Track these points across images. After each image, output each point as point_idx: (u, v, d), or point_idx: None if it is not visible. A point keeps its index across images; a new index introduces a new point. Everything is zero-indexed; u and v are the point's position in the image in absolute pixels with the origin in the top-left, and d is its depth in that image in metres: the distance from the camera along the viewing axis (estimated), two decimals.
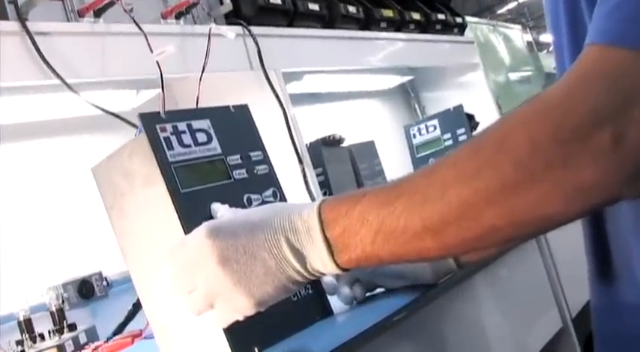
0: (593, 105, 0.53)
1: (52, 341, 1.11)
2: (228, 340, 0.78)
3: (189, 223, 0.78)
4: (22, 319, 1.14)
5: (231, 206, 0.83)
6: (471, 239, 0.60)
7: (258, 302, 0.69)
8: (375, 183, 1.98)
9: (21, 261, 1.36)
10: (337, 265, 0.67)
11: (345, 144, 2.00)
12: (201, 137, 0.87)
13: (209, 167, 0.86)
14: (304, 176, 1.62)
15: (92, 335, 1.16)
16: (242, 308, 0.70)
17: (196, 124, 0.88)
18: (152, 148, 0.81)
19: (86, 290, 1.33)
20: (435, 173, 0.61)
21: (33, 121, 1.47)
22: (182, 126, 0.86)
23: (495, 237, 0.60)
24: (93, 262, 1.41)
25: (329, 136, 1.91)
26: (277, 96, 1.62)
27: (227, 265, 0.68)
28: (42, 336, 1.14)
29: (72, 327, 1.17)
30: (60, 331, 1.15)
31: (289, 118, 1.63)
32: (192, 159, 0.85)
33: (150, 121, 0.83)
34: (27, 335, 1.13)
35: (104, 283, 1.36)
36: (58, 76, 1.17)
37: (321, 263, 0.68)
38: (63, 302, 1.27)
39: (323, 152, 1.86)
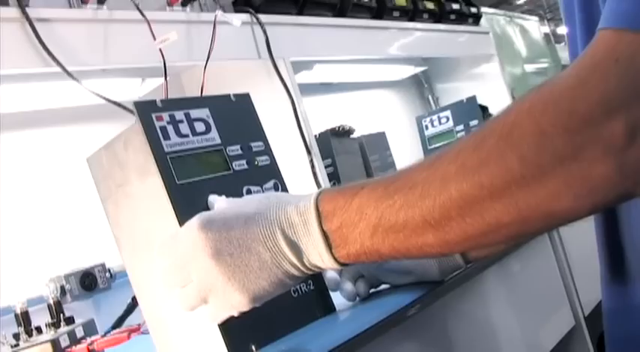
0: (605, 93, 0.50)
1: (47, 335, 1.09)
2: (223, 337, 0.75)
3: (184, 216, 0.74)
4: (18, 312, 1.12)
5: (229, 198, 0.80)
6: (474, 235, 0.57)
7: (253, 297, 0.67)
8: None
9: (22, 253, 1.35)
10: (335, 259, 0.65)
11: (355, 135, 1.97)
12: (200, 126, 0.84)
13: (207, 158, 0.84)
14: (312, 167, 1.59)
15: (90, 328, 1.14)
16: (236, 303, 0.68)
17: (195, 113, 0.85)
18: (147, 138, 0.79)
19: (89, 281, 1.31)
20: (437, 165, 0.58)
21: (34, 110, 1.45)
22: (179, 115, 0.83)
23: (500, 234, 0.57)
24: (96, 253, 1.38)
25: (338, 127, 1.88)
26: (286, 86, 1.59)
27: (220, 258, 0.66)
28: (39, 329, 1.12)
29: (69, 320, 1.15)
30: (56, 324, 1.12)
31: (298, 108, 1.60)
32: (190, 149, 0.82)
33: (145, 110, 0.80)
34: (23, 328, 1.11)
35: (107, 275, 1.34)
36: (58, 63, 1.15)
37: (319, 257, 0.65)
38: (65, 294, 1.25)
39: (332, 143, 1.84)
